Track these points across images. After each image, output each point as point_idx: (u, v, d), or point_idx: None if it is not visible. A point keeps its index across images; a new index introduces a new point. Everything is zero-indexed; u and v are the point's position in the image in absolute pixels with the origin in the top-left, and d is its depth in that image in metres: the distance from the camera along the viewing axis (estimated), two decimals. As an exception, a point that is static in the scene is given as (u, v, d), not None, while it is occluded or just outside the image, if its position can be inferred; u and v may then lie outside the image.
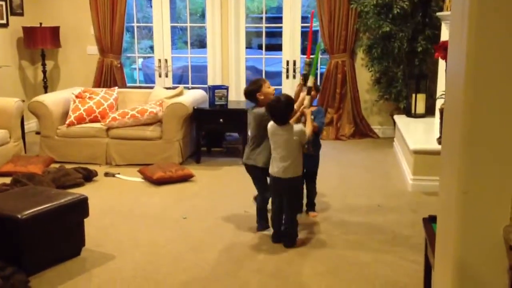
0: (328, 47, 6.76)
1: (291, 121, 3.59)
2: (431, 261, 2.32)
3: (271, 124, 3.53)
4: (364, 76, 6.82)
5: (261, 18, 7.48)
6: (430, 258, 2.36)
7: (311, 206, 4.22)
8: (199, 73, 7.70)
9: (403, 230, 3.89)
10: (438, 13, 5.65)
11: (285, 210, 3.63)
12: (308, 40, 4.06)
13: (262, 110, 3.67)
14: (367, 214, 4.23)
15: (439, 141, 4.69)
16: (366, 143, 6.65)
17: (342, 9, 6.58)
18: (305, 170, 3.87)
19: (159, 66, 7.32)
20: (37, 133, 6.48)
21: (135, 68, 9.04)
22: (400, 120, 6.11)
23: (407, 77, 6.35)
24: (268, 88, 3.79)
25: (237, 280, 3.13)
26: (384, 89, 6.59)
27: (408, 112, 6.29)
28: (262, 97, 3.75)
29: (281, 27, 7.07)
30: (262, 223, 3.85)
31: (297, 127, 3.53)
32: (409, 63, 6.37)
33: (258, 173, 3.82)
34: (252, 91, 3.81)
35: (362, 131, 6.86)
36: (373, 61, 6.49)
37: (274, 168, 3.57)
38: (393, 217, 4.15)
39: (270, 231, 3.77)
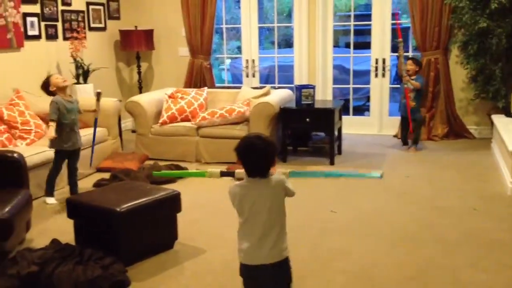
0: (420, 44, 6.54)
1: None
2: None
3: (238, 184, 2.36)
4: (458, 74, 6.52)
5: (349, 16, 7.37)
6: (534, 265, 2.22)
7: (414, 142, 5.82)
8: (286, 73, 7.72)
9: (502, 235, 3.68)
10: (541, 7, 5.30)
11: None
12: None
13: (56, 98, 4.24)
14: (460, 217, 4.04)
15: (542, 142, 4.39)
16: (460, 143, 6.36)
17: (435, 5, 6.34)
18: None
19: (247, 67, 7.44)
20: (133, 131, 6.81)
21: (223, 69, 9.25)
22: (499, 120, 5.78)
23: (506, 74, 6.01)
24: (56, 79, 4.29)
25: (322, 280, 3.12)
26: (481, 88, 6.27)
27: (508, 111, 5.95)
28: (55, 88, 4.26)
29: (370, 25, 6.93)
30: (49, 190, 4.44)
31: (278, 176, 2.34)
32: (508, 60, 6.02)
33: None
34: (44, 87, 4.32)
35: (456, 131, 6.57)
36: (469, 58, 6.20)
37: (251, 253, 2.28)
38: (491, 222, 3.94)
39: (52, 201, 4.38)
